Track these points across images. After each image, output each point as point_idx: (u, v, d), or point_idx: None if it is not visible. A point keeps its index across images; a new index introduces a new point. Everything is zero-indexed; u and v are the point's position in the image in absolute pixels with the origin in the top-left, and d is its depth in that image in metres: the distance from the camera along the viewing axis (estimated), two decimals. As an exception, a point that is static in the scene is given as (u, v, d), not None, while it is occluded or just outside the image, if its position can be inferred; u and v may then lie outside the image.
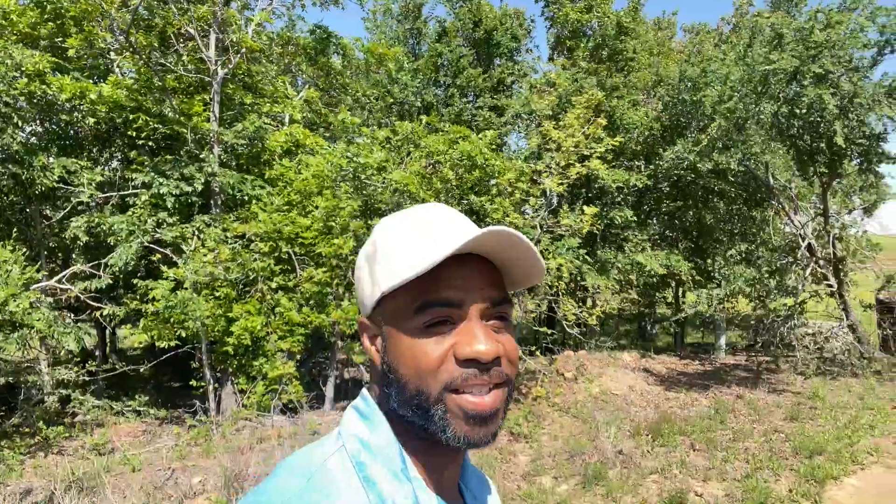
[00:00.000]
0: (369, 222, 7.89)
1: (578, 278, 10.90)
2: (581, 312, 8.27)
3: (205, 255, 7.37)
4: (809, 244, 10.77)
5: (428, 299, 0.73)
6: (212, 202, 8.08)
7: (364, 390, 0.82)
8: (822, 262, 10.67)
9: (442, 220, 0.79)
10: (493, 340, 0.74)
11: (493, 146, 9.57)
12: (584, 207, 8.05)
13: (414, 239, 0.77)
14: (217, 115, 7.96)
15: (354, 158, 7.52)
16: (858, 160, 8.72)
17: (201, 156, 7.62)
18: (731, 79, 8.98)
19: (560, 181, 7.42)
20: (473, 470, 0.94)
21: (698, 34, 16.96)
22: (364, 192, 8.30)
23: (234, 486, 4.85)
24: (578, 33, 13.01)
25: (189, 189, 7.49)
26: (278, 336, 7.77)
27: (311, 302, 7.96)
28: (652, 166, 10.86)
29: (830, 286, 10.71)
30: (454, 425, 0.73)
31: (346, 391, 9.48)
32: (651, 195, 12.11)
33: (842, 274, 10.61)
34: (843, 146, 7.50)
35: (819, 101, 7.39)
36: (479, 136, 9.15)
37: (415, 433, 0.76)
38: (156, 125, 7.77)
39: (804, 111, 7.65)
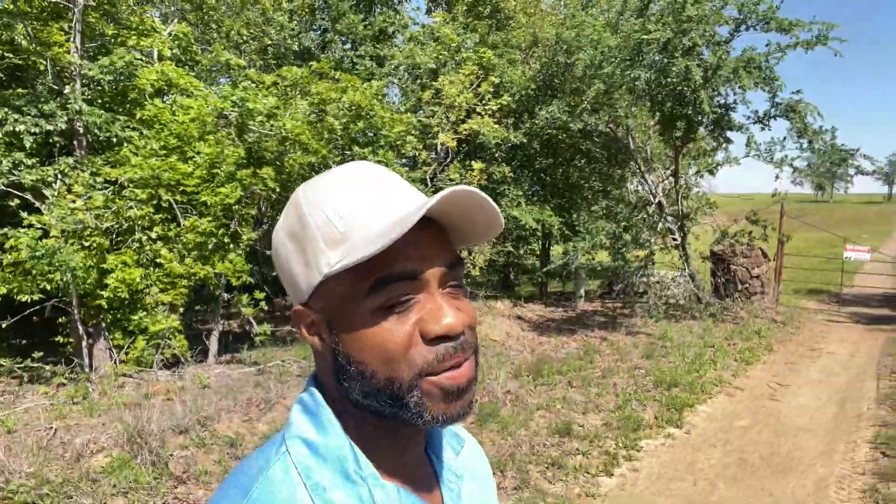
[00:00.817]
0: (258, 171, 7.60)
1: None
2: (466, 263, 8.63)
3: (73, 202, 6.71)
4: (660, 202, 11.97)
5: (383, 275, 0.63)
6: (76, 143, 7.32)
7: (310, 383, 0.74)
8: (669, 219, 11.92)
9: (378, 182, 0.69)
10: (456, 310, 0.66)
11: (379, 97, 9.51)
12: (473, 163, 8.31)
13: (358, 207, 0.66)
14: (79, 47, 7.13)
15: (242, 103, 7.14)
16: (711, 127, 9.81)
17: (65, 91, 6.84)
18: (605, 45, 9.60)
19: (453, 136, 7.60)
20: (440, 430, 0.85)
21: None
22: (249, 139, 7.94)
23: (136, 441, 4.64)
24: (458, -14, 13.07)
25: (50, 128, 6.72)
26: (159, 289, 7.35)
27: (195, 253, 7.58)
28: (527, 124, 11.37)
29: (675, 240, 12.01)
30: (431, 408, 0.65)
31: (229, 344, 9.20)
32: (524, 152, 12.70)
33: (685, 229, 11.94)
34: (706, 112, 8.42)
35: (686, 71, 8.20)
36: (365, 85, 9.04)
37: (374, 419, 0.69)
38: (5, 53, 6.83)
39: (673, 80, 8.46)
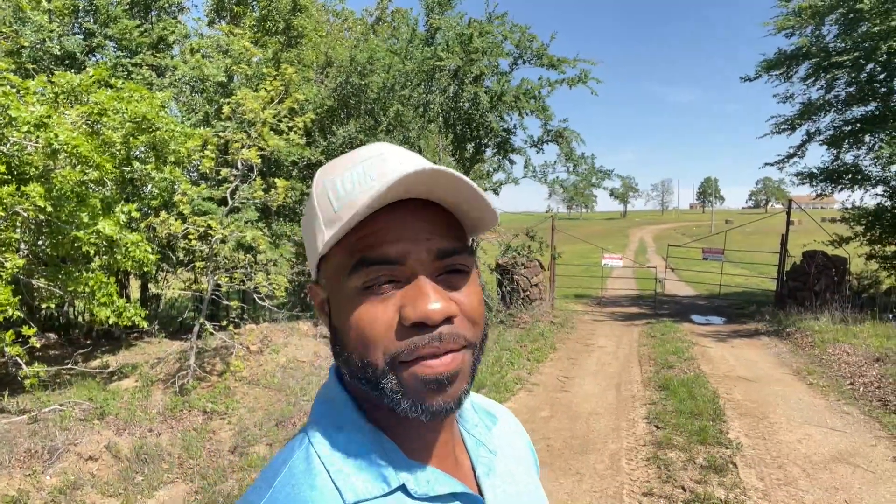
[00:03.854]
0: (23, 188, 6.55)
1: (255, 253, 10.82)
2: (270, 284, 8.33)
3: None
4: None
5: (363, 256, 0.62)
6: None
7: (331, 371, 0.74)
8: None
9: (379, 161, 0.66)
10: (444, 298, 0.63)
11: (164, 108, 8.80)
12: (276, 180, 8.10)
13: (355, 188, 0.65)
14: None
15: (3, 110, 6.13)
16: (495, 149, 10.77)
17: None
18: (397, 69, 10.04)
19: (257, 152, 7.34)
20: (472, 404, 0.85)
21: (346, 20, 18.07)
22: (6, 151, 6.82)
23: None
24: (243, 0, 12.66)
25: None
26: None
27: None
28: (325, 143, 11.35)
29: (467, 254, 12.85)
30: (409, 396, 0.63)
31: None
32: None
33: (475, 243, 12.84)
34: (496, 133, 9.25)
35: (475, 97, 8.93)
36: (151, 95, 8.33)
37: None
38: None
39: (465, 104, 9.16)
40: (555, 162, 11.23)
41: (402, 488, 0.65)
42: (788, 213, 13.53)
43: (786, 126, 13.55)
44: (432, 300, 0.62)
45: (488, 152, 10.90)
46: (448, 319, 0.63)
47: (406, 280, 0.64)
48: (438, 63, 9.03)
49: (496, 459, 0.79)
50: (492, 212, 0.69)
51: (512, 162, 11.16)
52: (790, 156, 13.86)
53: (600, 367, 9.15)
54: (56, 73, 7.37)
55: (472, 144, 10.27)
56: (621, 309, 15.91)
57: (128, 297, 11.31)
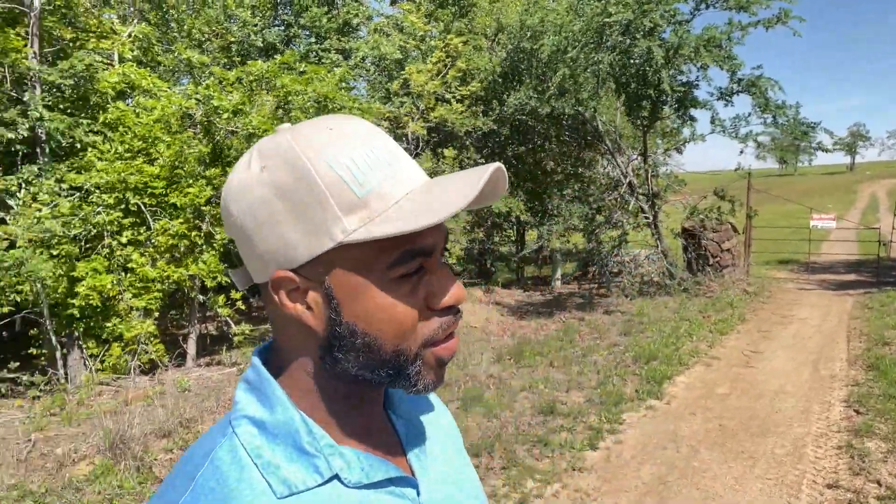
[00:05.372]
0: (227, 169, 7.52)
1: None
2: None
3: (38, 210, 6.58)
4: (630, 182, 12.11)
5: (410, 248, 0.61)
6: (38, 150, 7.16)
7: (254, 358, 0.69)
8: (640, 197, 12.07)
9: (382, 145, 0.64)
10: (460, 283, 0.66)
11: (344, 86, 9.44)
12: (444, 151, 8.32)
13: (374, 173, 0.61)
14: (38, 52, 6.97)
15: (207, 101, 7.05)
16: (675, 105, 9.95)
17: (25, 98, 6.68)
18: (570, 29, 9.66)
19: (423, 125, 7.60)
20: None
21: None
22: (216, 136, 7.84)
23: (118, 447, 4.59)
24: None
25: (11, 136, 6.56)
26: (132, 294, 7.24)
27: (167, 256, 7.48)
28: (496, 111, 11.40)
29: (647, 218, 12.18)
30: (426, 376, 0.66)
31: (207, 346, 9.11)
32: (495, 139, 12.73)
33: (656, 207, 12.11)
34: (668, 92, 8.55)
35: (648, 52, 8.30)
36: (329, 74, 8.98)
37: (345, 388, 0.67)
38: (-41, 62, 6.65)
39: (636, 61, 8.56)
40: (748, 114, 10.07)
41: (336, 477, 0.63)
42: None
43: None
44: (459, 285, 0.65)
45: (667, 109, 10.10)
46: None
47: (430, 267, 0.64)
48: (607, 19, 8.50)
49: (426, 440, 0.78)
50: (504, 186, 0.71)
51: (693, 119, 10.21)
52: None
53: (797, 342, 8.19)
54: (248, 62, 8.24)
55: (648, 102, 9.58)
56: (835, 276, 14.01)
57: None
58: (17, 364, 6.60)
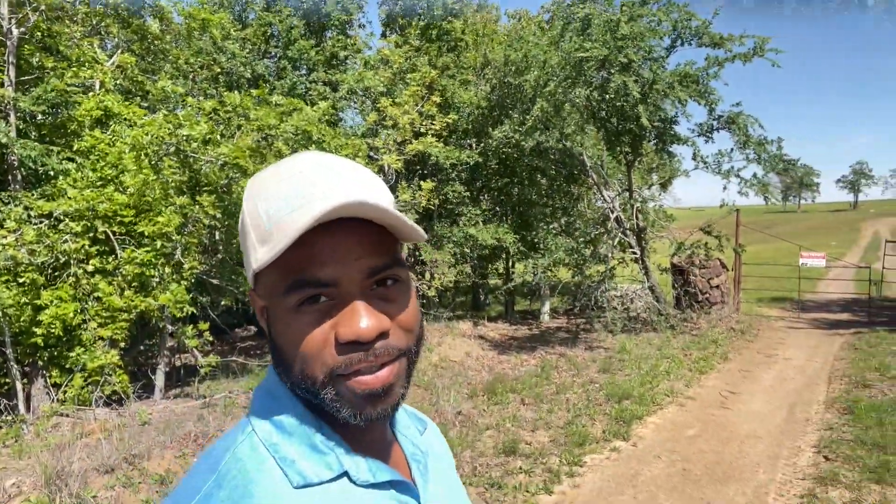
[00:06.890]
0: (198, 199, 7.49)
1: (417, 253, 11.23)
2: (420, 285, 8.55)
3: (4, 238, 6.54)
4: (617, 216, 12.04)
5: (296, 278, 0.64)
6: (10, 178, 7.16)
7: (270, 367, 0.75)
8: (627, 232, 11.99)
9: (315, 177, 0.67)
10: (374, 316, 0.65)
11: (328, 120, 9.46)
12: (421, 182, 8.29)
13: (283, 206, 0.65)
14: (13, 80, 7.02)
15: (177, 130, 7.06)
16: (655, 141, 9.93)
17: (-3, 125, 6.71)
18: (549, 64, 9.71)
19: (397, 158, 7.57)
20: (404, 410, 0.89)
21: (520, 20, 17.99)
22: (193, 166, 7.83)
23: (55, 483, 4.45)
24: (410, 11, 13.20)
25: (-19, 162, 6.57)
26: (98, 323, 7.15)
27: (135, 285, 7.41)
28: (482, 144, 11.42)
29: (634, 253, 12.07)
30: (348, 406, 0.66)
31: (178, 378, 8.97)
32: (482, 172, 12.73)
33: (643, 242, 12.00)
34: (646, 127, 8.52)
35: (624, 87, 8.30)
36: (313, 108, 9.01)
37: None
38: (-69, 88, 6.69)
39: (612, 96, 8.56)
40: (731, 150, 10.03)
41: (346, 474, 0.69)
42: None
43: None
44: (364, 320, 0.65)
45: (647, 145, 10.06)
46: (382, 335, 0.66)
47: (340, 299, 0.66)
48: (583, 54, 8.53)
49: (428, 459, 0.83)
50: (419, 232, 0.70)
51: (671, 155, 10.17)
52: None
53: (778, 383, 8.00)
54: (225, 94, 8.28)
55: (628, 137, 9.55)
56: (828, 315, 13.81)
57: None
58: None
